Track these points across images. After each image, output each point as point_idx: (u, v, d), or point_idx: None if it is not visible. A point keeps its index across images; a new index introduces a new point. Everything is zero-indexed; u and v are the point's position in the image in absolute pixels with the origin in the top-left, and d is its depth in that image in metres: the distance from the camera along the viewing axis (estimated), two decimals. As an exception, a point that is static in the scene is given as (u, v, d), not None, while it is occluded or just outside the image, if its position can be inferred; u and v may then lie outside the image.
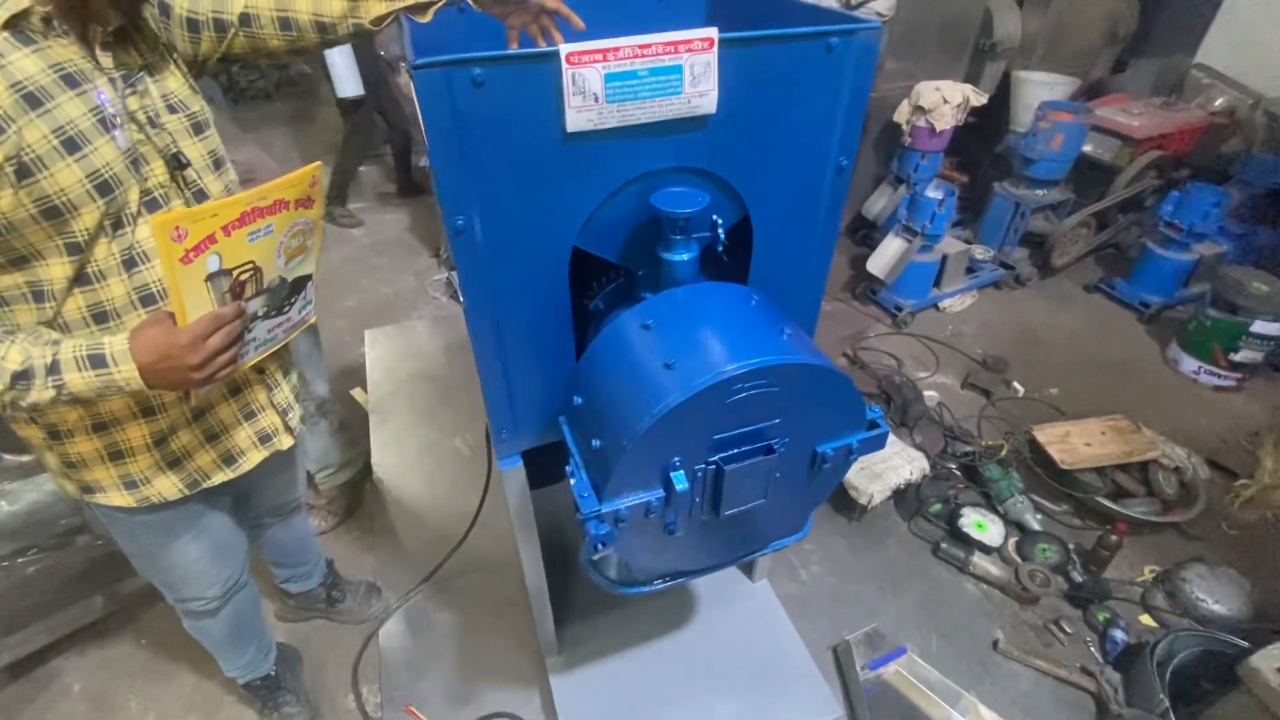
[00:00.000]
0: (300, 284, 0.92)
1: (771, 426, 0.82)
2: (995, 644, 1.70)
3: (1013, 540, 1.94)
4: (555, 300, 0.91)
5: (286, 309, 0.91)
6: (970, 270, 3.09)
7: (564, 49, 0.72)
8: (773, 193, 0.93)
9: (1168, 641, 1.58)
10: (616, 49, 0.74)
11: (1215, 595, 1.74)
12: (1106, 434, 2.06)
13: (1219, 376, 2.54)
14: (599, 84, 0.74)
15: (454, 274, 3.18)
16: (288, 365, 1.15)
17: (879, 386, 2.47)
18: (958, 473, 2.14)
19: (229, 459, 1.04)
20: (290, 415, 1.13)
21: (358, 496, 2.12)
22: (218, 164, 0.94)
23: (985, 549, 1.90)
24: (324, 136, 4.87)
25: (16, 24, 0.71)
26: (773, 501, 0.90)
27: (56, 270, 0.78)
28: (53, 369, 0.74)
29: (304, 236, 0.88)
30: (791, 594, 1.80)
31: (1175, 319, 2.87)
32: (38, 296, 0.79)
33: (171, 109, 0.87)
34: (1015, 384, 2.54)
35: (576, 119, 0.76)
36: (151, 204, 0.84)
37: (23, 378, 0.73)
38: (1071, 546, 1.91)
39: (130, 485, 0.96)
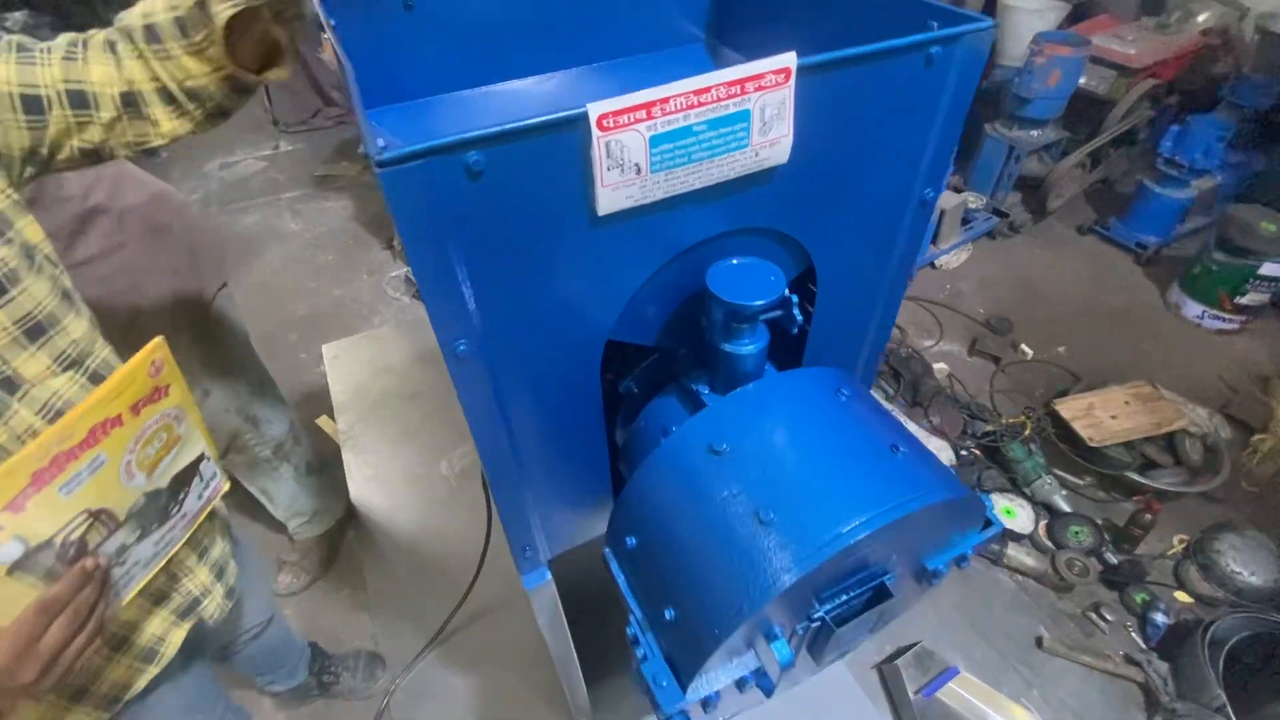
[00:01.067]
0: (185, 476, 0.72)
1: (882, 568, 0.65)
2: (1039, 641, 1.65)
3: (1043, 523, 1.87)
4: (584, 412, 0.72)
5: (174, 511, 0.71)
6: (965, 222, 2.94)
7: (593, 109, 0.49)
8: (843, 240, 0.74)
9: (1219, 629, 1.54)
10: (664, 99, 0.51)
11: (1250, 567, 1.70)
12: (1131, 404, 1.97)
13: (1223, 320, 2.48)
14: (642, 151, 0.52)
15: (413, 270, 2.88)
16: (206, 536, 0.90)
17: (886, 363, 2.33)
18: (980, 454, 2.04)
19: (149, 655, 0.82)
20: (217, 589, 0.91)
21: (335, 547, 1.91)
22: (33, 332, 0.64)
23: (1016, 537, 1.82)
24: (248, 112, 4.33)
25: None
26: (877, 628, 0.74)
27: None
28: None
29: (168, 431, 0.68)
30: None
31: (1173, 258, 2.79)
32: None
33: None
34: (1024, 346, 2.44)
35: (611, 198, 0.54)
36: None
37: None
38: (1100, 522, 1.85)
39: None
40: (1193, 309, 2.53)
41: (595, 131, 0.50)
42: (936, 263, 2.85)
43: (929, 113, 0.67)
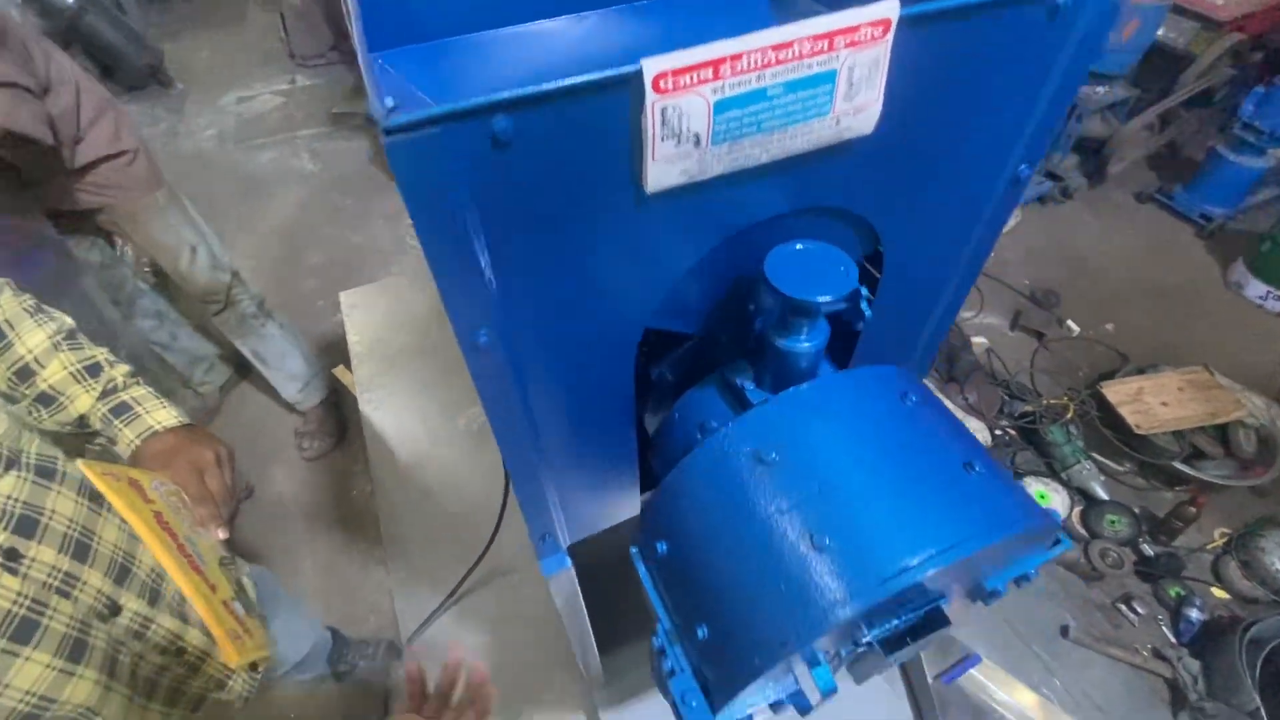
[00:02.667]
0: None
1: (937, 593, 0.59)
2: (1065, 630, 1.61)
3: (1078, 510, 1.80)
4: (614, 405, 0.65)
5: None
6: (1014, 184, 2.75)
7: (649, 67, 0.40)
8: (919, 222, 0.65)
9: (1258, 631, 1.48)
10: (736, 56, 0.42)
11: (1296, 566, 1.63)
12: (1184, 390, 1.86)
13: (1288, 301, 2.32)
14: (704, 118, 0.44)
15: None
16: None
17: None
18: (1015, 435, 1.96)
19: None
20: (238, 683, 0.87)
21: (341, 419, 2.08)
22: None
23: (1049, 524, 1.76)
24: (263, 44, 4.18)
25: None
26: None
27: None
28: None
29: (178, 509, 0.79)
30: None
31: (1239, 234, 2.60)
32: None
33: None
34: (1069, 322, 2.31)
35: (663, 173, 0.46)
36: None
37: None
38: (1138, 511, 1.78)
39: None
40: (1256, 289, 2.37)
41: (650, 94, 0.41)
42: (981, 228, 2.69)
43: (1042, 74, 0.56)
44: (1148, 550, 1.70)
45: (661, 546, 0.64)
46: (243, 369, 2.18)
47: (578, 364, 0.59)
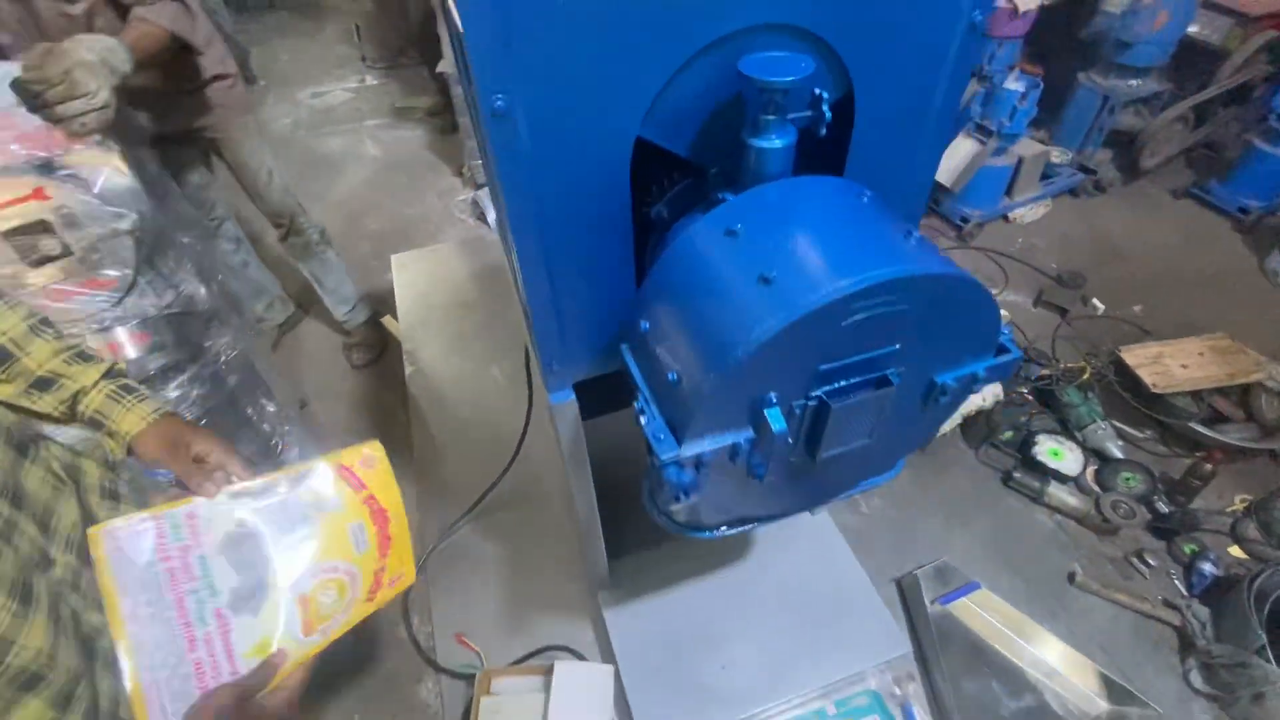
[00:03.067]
0: None
1: (889, 355, 0.67)
2: (1071, 577, 1.61)
3: (1092, 469, 1.80)
4: (613, 203, 0.75)
5: None
6: (1045, 177, 2.79)
7: None
8: (885, 60, 0.74)
9: (1266, 578, 1.46)
10: None
11: (1320, 528, 1.59)
12: (1205, 354, 1.86)
13: (1328, 289, 2.28)
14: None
15: (479, 193, 2.99)
16: None
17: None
18: (1030, 398, 1.98)
19: None
20: None
21: (383, 336, 2.34)
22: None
23: (1061, 478, 1.77)
24: (336, 49, 4.57)
25: None
26: (876, 440, 0.76)
27: None
28: None
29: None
30: (851, 526, 1.71)
31: (1278, 226, 2.56)
32: None
33: None
34: (1095, 301, 2.32)
35: (647, -45, 0.58)
36: None
37: None
38: (1157, 474, 1.77)
39: None
40: (1294, 276, 2.34)
41: None
42: (1010, 215, 2.73)
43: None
44: (1162, 508, 1.69)
45: (644, 325, 0.74)
46: (299, 312, 2.39)
47: (579, 153, 0.70)
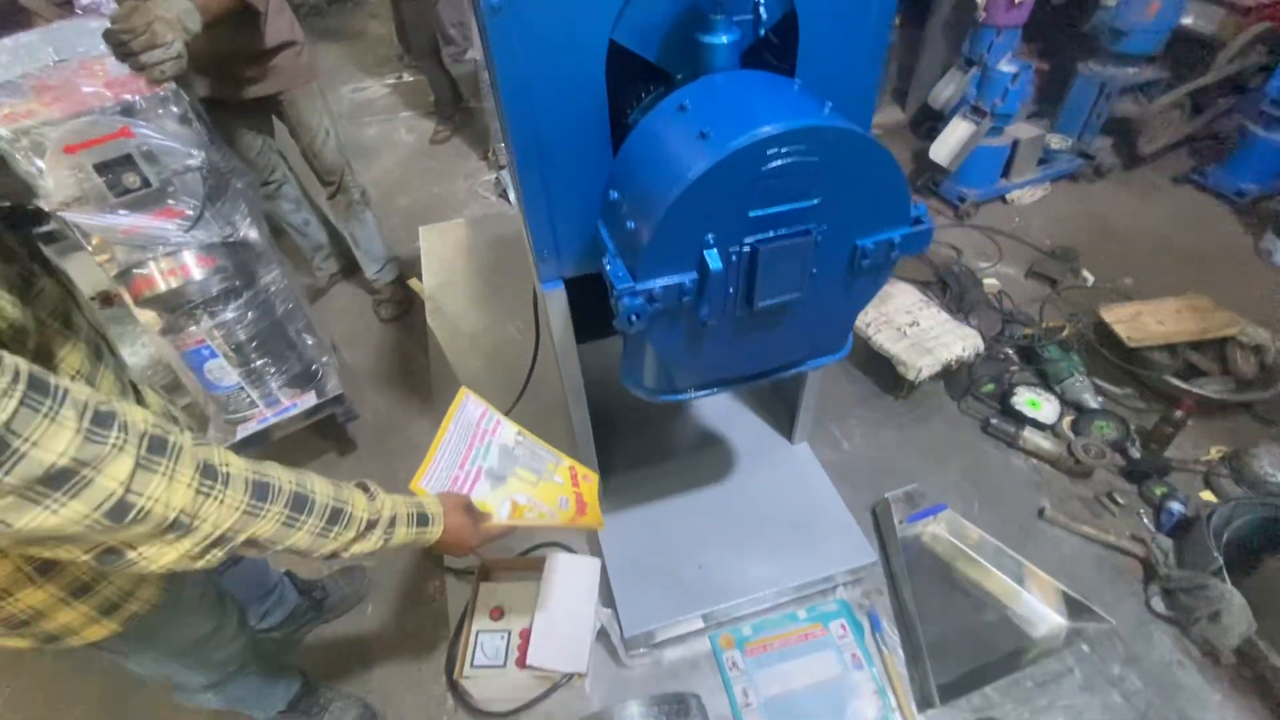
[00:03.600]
0: None
1: (810, 209, 0.81)
2: (1041, 512, 1.69)
3: (1068, 419, 1.89)
4: (591, 97, 0.90)
5: None
6: (1043, 161, 2.88)
7: None
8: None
9: (1227, 508, 1.53)
10: None
11: (1287, 472, 1.65)
12: (1182, 312, 1.93)
13: (1320, 265, 2.32)
14: None
15: (502, 173, 3.20)
16: None
17: (936, 274, 2.38)
18: (1013, 355, 2.07)
19: None
20: None
21: (409, 294, 2.53)
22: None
23: (1038, 425, 1.85)
24: (377, 50, 4.88)
25: None
26: (810, 302, 0.90)
27: None
28: (391, 523, 0.78)
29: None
30: (833, 461, 1.81)
31: (1274, 210, 2.61)
32: None
33: None
34: (1085, 272, 2.40)
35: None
36: None
37: (370, 527, 0.76)
38: (1133, 426, 1.84)
39: (108, 611, 0.81)
40: (1286, 253, 2.38)
41: None
42: (1008, 197, 2.82)
43: None
44: (1134, 453, 1.76)
45: (613, 194, 0.89)
46: (345, 270, 2.62)
47: (561, 49, 0.85)
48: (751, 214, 0.80)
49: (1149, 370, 1.89)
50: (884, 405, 2.00)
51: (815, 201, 0.81)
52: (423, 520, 0.82)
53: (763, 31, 0.86)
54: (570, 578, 1.41)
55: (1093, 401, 1.89)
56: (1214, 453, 1.81)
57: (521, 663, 1.33)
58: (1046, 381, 1.97)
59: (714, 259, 0.80)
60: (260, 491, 0.65)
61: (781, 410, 1.77)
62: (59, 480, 0.50)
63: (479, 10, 0.82)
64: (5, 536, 0.51)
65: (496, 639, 1.39)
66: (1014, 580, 1.53)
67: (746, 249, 0.82)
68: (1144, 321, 1.92)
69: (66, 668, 1.56)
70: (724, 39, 0.85)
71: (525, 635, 1.36)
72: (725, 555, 1.50)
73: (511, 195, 3.08)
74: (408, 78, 4.45)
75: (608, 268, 0.85)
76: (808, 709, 1.36)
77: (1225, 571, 1.41)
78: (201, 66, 1.73)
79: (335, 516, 0.72)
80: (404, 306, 2.53)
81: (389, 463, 1.94)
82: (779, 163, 0.75)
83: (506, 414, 1.12)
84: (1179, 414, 1.73)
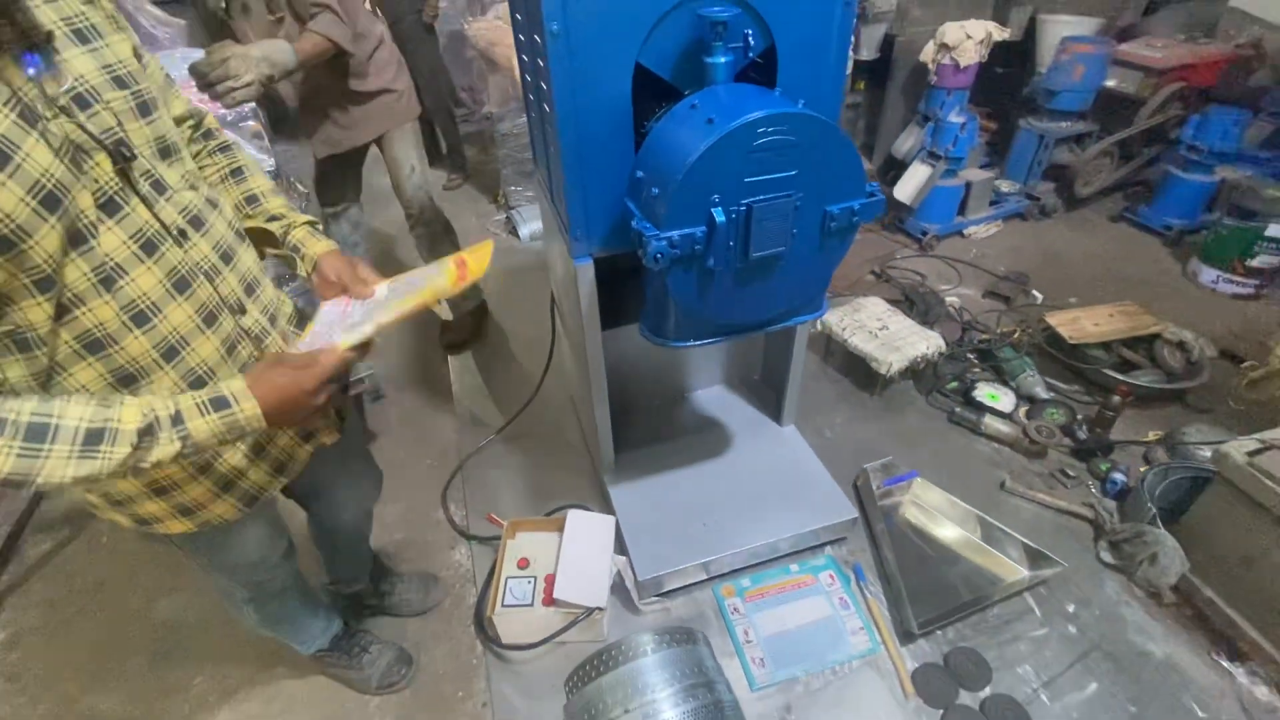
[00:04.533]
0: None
1: (790, 178, 1.07)
2: (1002, 484, 1.90)
3: (1023, 408, 2.13)
4: (622, 104, 1.17)
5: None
6: (995, 202, 3.25)
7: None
8: (793, 21, 1.18)
9: (1159, 471, 1.76)
10: (672, -115, 1.01)
11: (1214, 444, 1.89)
12: (1114, 315, 2.22)
13: (1237, 284, 2.65)
14: (659, -87, 1.02)
15: (512, 212, 3.51)
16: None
17: (903, 294, 2.67)
18: (973, 357, 2.33)
19: (279, 467, 1.03)
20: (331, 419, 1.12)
21: (479, 324, 2.64)
22: (165, 152, 0.82)
23: (997, 414, 2.09)
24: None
25: None
26: (792, 257, 1.15)
27: (35, 313, 0.68)
28: (175, 419, 0.72)
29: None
30: (817, 446, 2.01)
31: (1199, 242, 2.97)
32: (22, 345, 0.70)
33: (119, 82, 0.74)
34: (1034, 292, 2.71)
35: (642, -58, 1.03)
36: (108, 206, 0.72)
37: (147, 434, 0.70)
38: (1079, 414, 2.09)
39: (185, 512, 0.94)
40: (1208, 274, 2.72)
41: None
42: (965, 232, 3.17)
43: (836, -72, 1.12)
44: (1081, 435, 2.00)
45: (640, 173, 1.15)
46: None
47: (600, 68, 1.13)
48: (746, 180, 1.06)
49: (1089, 365, 2.15)
50: (861, 401, 2.24)
51: (794, 172, 1.07)
52: (220, 404, 0.74)
53: (750, 56, 1.15)
54: (589, 531, 1.59)
55: (1044, 393, 2.14)
56: (1152, 435, 2.05)
57: (548, 600, 1.49)
58: (1003, 378, 2.23)
59: (719, 214, 1.05)
60: None
61: (771, 399, 1.99)
62: None
63: (541, 34, 1.10)
64: None
65: (524, 583, 1.55)
66: (980, 537, 1.73)
67: (743, 208, 1.08)
68: (1082, 324, 2.20)
69: (120, 619, 1.68)
70: (722, 59, 1.13)
71: (550, 580, 1.53)
72: (725, 514, 1.69)
73: (522, 231, 3.39)
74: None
75: (636, 226, 1.10)
76: (801, 643, 1.52)
77: (1158, 520, 1.63)
78: (308, 112, 2.03)
79: (96, 436, 0.67)
80: (475, 336, 2.61)
81: (412, 451, 2.12)
82: (766, 139, 1.02)
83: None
84: (1116, 400, 1.99)
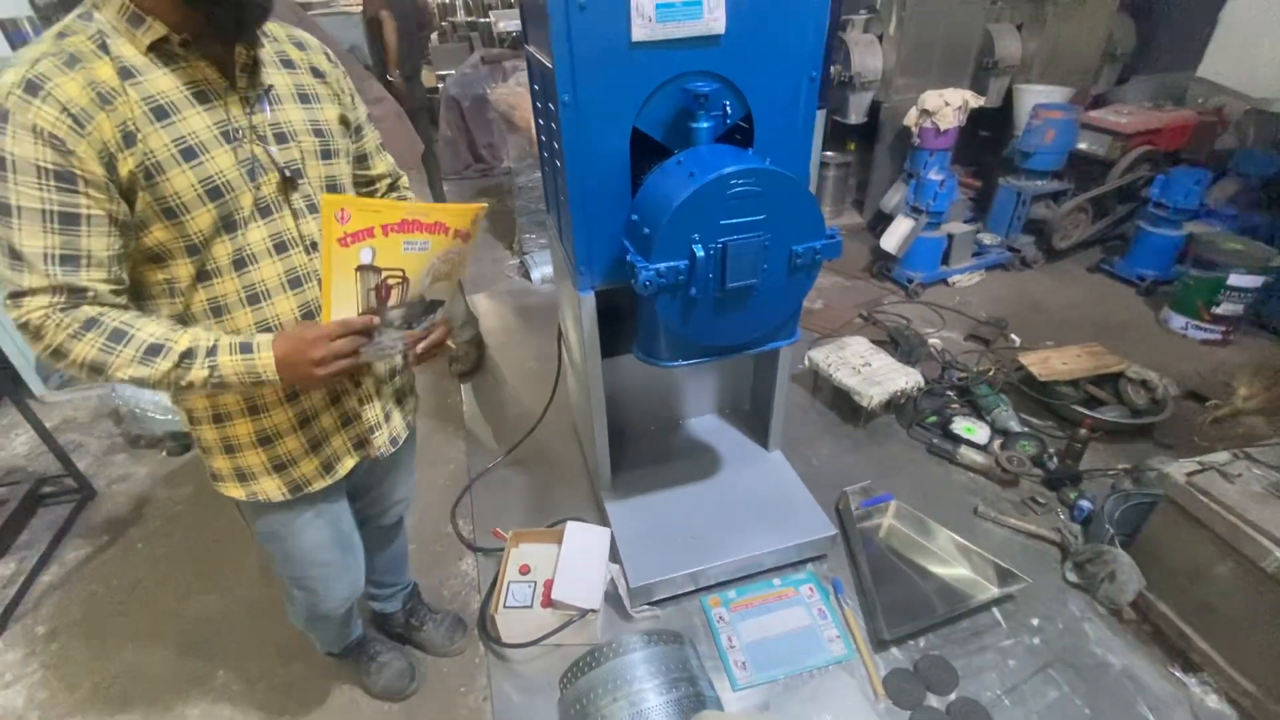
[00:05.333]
0: (433, 307, 1.02)
1: (759, 221, 1.27)
2: (975, 509, 2.03)
3: (997, 441, 2.26)
4: (621, 160, 1.39)
5: (415, 325, 1.00)
6: (979, 254, 3.46)
7: (632, -12, 1.23)
8: (766, 93, 1.40)
9: (1119, 498, 1.88)
10: (663, -12, 1.25)
11: (1173, 477, 2.01)
12: (1081, 355, 2.38)
13: (1205, 330, 2.81)
14: (651, 10, 1.25)
15: (526, 257, 3.76)
16: (396, 378, 1.20)
17: (889, 335, 2.85)
18: (951, 394, 2.48)
19: (328, 466, 1.11)
20: (384, 429, 1.16)
21: (481, 352, 2.85)
22: (331, 188, 1.01)
23: (973, 445, 2.23)
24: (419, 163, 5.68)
25: (159, 47, 0.82)
26: (764, 288, 1.34)
27: (182, 270, 0.89)
28: (211, 351, 0.86)
29: (453, 265, 0.98)
30: (803, 473, 2.15)
31: (1170, 292, 3.14)
32: (172, 292, 0.91)
33: (316, 133, 0.98)
34: (1012, 335, 2.88)
35: (638, 31, 1.27)
36: (264, 210, 0.92)
37: (188, 356, 0.84)
38: (1050, 447, 2.22)
39: (241, 478, 1.06)
40: (1178, 321, 2.88)
41: (634, 0, 1.24)
42: (950, 280, 3.36)
43: (802, 19, 1.35)
44: (1051, 466, 2.13)
45: (634, 217, 1.36)
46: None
47: (603, 131, 1.35)
48: (722, 222, 1.26)
49: (1059, 400, 2.30)
50: (845, 432, 2.39)
51: (762, 216, 1.27)
52: (245, 349, 0.87)
53: (730, 122, 1.37)
54: (586, 540, 1.73)
55: (1017, 427, 2.28)
56: (1120, 468, 2.17)
57: (546, 602, 1.62)
58: (979, 413, 2.37)
59: (699, 250, 1.25)
60: (89, 324, 0.81)
61: (759, 426, 2.15)
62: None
63: (555, 103, 1.32)
64: None
65: (525, 587, 1.68)
66: (952, 556, 1.85)
67: (720, 245, 1.27)
68: (1052, 363, 2.36)
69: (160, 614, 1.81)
70: (704, 125, 1.35)
71: (548, 585, 1.66)
72: (713, 530, 1.82)
73: (534, 274, 3.63)
74: (447, 187, 5.19)
75: (630, 259, 1.30)
76: (781, 648, 1.63)
77: (1116, 540, 1.74)
78: None
79: (154, 350, 0.83)
80: (478, 364, 2.84)
81: (425, 472, 2.27)
82: (737, 189, 1.22)
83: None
84: (1083, 433, 2.12)
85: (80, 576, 1.96)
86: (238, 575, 1.94)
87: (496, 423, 2.49)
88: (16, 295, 0.79)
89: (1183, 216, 3.10)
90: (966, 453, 2.19)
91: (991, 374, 2.44)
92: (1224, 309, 2.73)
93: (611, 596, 1.72)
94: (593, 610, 1.60)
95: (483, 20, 6.98)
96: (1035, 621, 1.70)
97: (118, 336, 0.82)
